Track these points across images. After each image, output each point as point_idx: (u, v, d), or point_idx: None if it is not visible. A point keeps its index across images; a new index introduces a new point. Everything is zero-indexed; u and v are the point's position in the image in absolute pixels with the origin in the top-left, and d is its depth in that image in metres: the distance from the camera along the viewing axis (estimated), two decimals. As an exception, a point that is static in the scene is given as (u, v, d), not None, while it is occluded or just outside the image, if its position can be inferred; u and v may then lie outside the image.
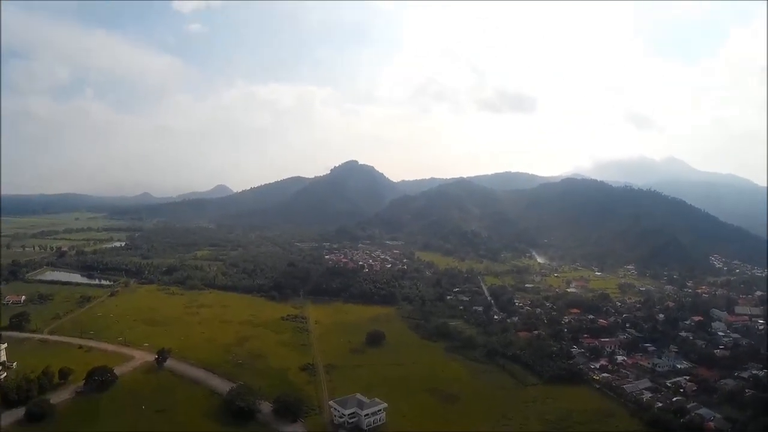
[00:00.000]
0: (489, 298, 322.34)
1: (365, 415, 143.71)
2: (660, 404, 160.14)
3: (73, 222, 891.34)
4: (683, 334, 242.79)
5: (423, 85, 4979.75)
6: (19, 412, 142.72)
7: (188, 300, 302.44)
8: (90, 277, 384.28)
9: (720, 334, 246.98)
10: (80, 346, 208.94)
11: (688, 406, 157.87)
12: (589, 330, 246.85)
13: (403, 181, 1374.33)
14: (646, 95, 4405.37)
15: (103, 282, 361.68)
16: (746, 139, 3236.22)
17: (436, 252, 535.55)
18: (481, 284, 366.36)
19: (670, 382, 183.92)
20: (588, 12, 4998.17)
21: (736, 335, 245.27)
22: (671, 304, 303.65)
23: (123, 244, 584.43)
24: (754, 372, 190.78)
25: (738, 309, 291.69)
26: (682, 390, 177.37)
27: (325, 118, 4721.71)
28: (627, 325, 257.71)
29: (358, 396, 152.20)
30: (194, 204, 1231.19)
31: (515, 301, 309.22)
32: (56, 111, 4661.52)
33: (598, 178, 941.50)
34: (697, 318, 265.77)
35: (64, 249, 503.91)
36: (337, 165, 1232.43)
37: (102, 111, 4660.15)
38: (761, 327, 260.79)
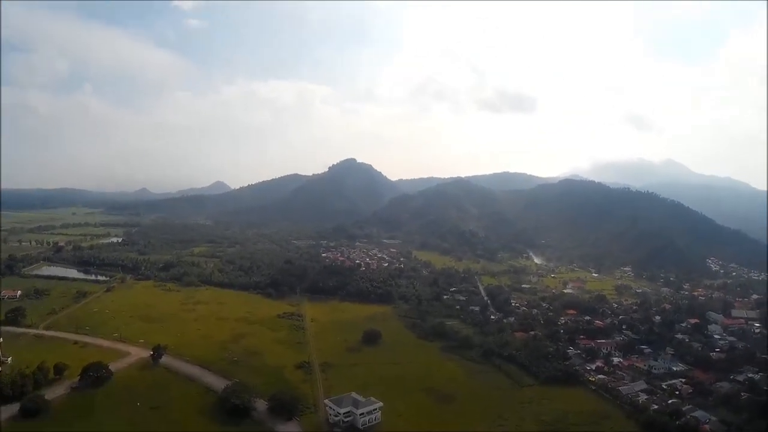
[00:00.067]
0: (486, 298, 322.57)
1: (360, 414, 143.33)
2: (656, 406, 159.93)
3: (71, 217, 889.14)
4: (679, 336, 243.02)
5: (423, 84, 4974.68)
6: (14, 408, 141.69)
7: (184, 296, 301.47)
8: (86, 272, 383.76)
9: (716, 336, 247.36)
10: (76, 342, 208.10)
11: (684, 409, 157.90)
12: (586, 331, 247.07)
13: (401, 180, 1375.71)
14: (645, 96, 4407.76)
15: (100, 277, 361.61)
16: (745, 142, 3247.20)
17: (433, 251, 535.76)
18: (478, 284, 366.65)
19: (665, 385, 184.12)
20: (588, 12, 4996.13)
21: (732, 338, 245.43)
22: (668, 307, 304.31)
23: (120, 239, 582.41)
24: (750, 375, 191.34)
25: (734, 312, 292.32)
26: (677, 392, 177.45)
27: (324, 116, 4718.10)
28: (623, 327, 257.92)
29: (354, 395, 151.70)
30: (192, 200, 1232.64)
31: (512, 301, 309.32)
32: (55, 105, 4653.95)
33: (597, 180, 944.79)
34: (693, 320, 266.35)
35: (61, 244, 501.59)
36: (335, 163, 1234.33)
37: (101, 106, 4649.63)
38: (757, 330, 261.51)
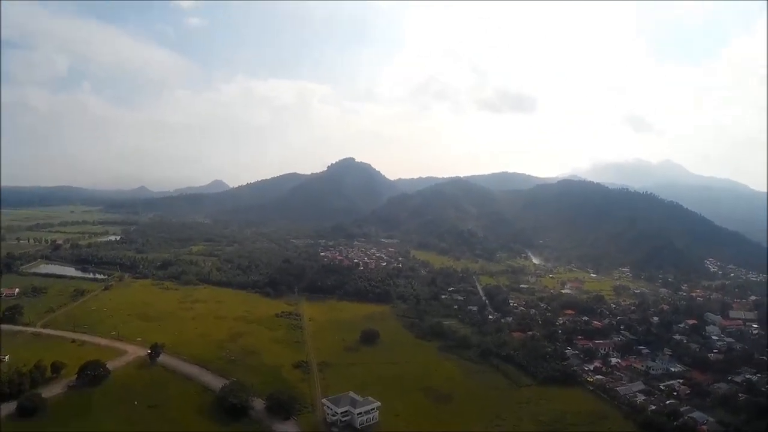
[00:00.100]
0: (484, 297, 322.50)
1: (358, 414, 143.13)
2: (653, 407, 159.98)
3: (69, 215, 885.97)
4: (677, 337, 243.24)
5: (423, 84, 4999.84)
6: (11, 406, 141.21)
7: (182, 295, 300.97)
8: (84, 270, 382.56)
9: (714, 337, 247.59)
10: (73, 340, 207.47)
11: (682, 410, 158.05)
12: (584, 332, 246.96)
13: (400, 179, 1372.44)
14: (646, 97, 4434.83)
15: (98, 276, 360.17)
16: (744, 144, 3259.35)
17: (431, 251, 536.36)
18: (476, 284, 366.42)
19: (663, 385, 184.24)
20: (590, 12, 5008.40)
21: (730, 339, 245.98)
22: (666, 307, 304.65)
23: (118, 237, 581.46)
24: (748, 376, 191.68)
25: (732, 313, 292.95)
26: (675, 393, 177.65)
27: (324, 115, 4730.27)
28: (621, 328, 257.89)
29: (351, 394, 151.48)
30: (190, 199, 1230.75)
31: (510, 301, 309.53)
32: (54, 103, 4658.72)
33: (595, 180, 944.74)
34: (691, 321, 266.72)
35: (59, 242, 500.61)
36: (333, 162, 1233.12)
37: (100, 104, 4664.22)
38: (755, 332, 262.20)
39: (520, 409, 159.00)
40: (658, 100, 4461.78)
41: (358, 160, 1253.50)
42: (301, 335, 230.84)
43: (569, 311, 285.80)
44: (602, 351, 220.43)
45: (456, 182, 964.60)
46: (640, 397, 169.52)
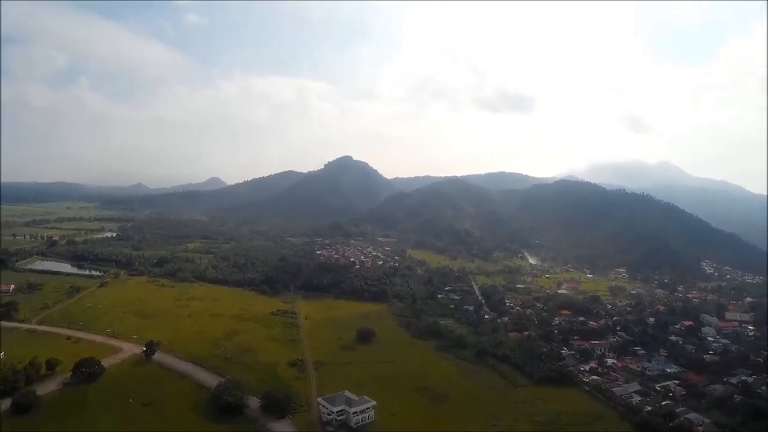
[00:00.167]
0: (480, 297, 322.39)
1: (354, 413, 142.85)
2: (649, 408, 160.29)
3: (65, 211, 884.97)
4: (673, 338, 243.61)
5: (421, 83, 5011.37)
6: (6, 403, 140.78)
7: (178, 292, 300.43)
8: (80, 267, 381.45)
9: (710, 339, 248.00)
10: (68, 337, 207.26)
11: (677, 411, 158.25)
12: (580, 332, 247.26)
13: (397, 178, 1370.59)
14: (644, 97, 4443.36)
15: (93, 272, 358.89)
16: (741, 146, 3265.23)
17: (428, 250, 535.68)
18: (473, 283, 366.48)
19: (659, 386, 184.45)
20: (588, 12, 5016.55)
21: (725, 341, 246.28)
22: (662, 308, 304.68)
23: (114, 234, 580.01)
24: (744, 378, 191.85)
25: (728, 315, 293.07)
26: (671, 394, 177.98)
27: (322, 113, 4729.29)
28: (617, 328, 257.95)
29: (347, 393, 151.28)
30: (187, 196, 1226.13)
31: (506, 301, 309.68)
32: (52, 99, 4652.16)
33: (592, 181, 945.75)
34: (687, 323, 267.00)
35: (55, 238, 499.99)
36: (331, 160, 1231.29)
37: (98, 100, 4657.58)
38: (751, 333, 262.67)
39: (516, 409, 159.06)
40: (655, 100, 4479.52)
41: (355, 158, 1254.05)
42: (296, 333, 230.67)
43: (565, 311, 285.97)
44: (598, 351, 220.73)
45: (453, 182, 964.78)
46: (636, 398, 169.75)
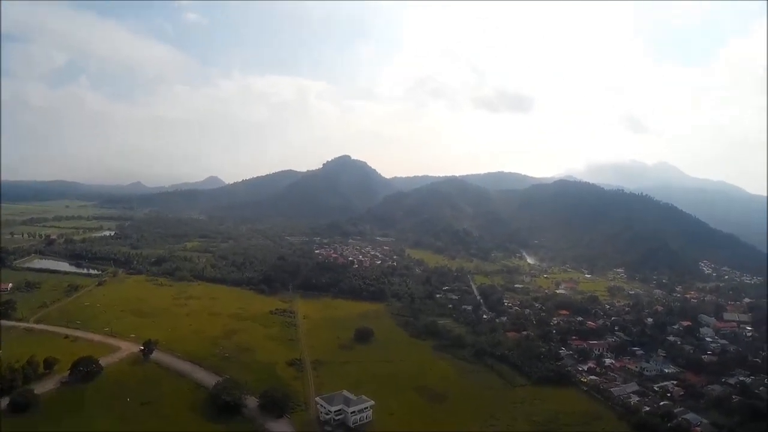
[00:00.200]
0: (478, 297, 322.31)
1: (352, 413, 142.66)
2: (647, 408, 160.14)
3: (63, 210, 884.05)
4: (671, 338, 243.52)
5: (421, 83, 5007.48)
6: (3, 402, 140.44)
7: (177, 291, 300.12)
8: (78, 265, 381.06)
9: (708, 339, 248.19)
10: (66, 336, 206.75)
11: (675, 411, 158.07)
12: (578, 332, 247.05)
13: (395, 177, 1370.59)
14: (644, 97, 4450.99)
15: (92, 271, 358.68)
16: (741, 146, 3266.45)
17: (426, 249, 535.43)
18: (471, 283, 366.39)
19: (657, 387, 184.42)
20: (588, 13, 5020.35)
21: (724, 341, 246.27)
22: (660, 309, 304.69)
23: (113, 233, 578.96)
24: (742, 378, 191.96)
25: (726, 315, 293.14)
26: (669, 394, 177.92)
27: (321, 112, 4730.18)
28: (615, 328, 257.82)
29: (345, 393, 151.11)
30: (186, 194, 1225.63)
31: (504, 301, 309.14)
32: (51, 98, 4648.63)
33: (591, 181, 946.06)
34: (685, 323, 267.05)
35: (53, 237, 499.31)
36: (329, 160, 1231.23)
37: (97, 99, 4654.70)
38: (749, 334, 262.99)
39: (515, 409, 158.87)
40: (655, 100, 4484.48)
41: (354, 157, 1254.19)
42: (295, 333, 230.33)
43: (564, 311, 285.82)
44: (596, 351, 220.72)
45: (452, 181, 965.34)
46: (634, 398, 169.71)
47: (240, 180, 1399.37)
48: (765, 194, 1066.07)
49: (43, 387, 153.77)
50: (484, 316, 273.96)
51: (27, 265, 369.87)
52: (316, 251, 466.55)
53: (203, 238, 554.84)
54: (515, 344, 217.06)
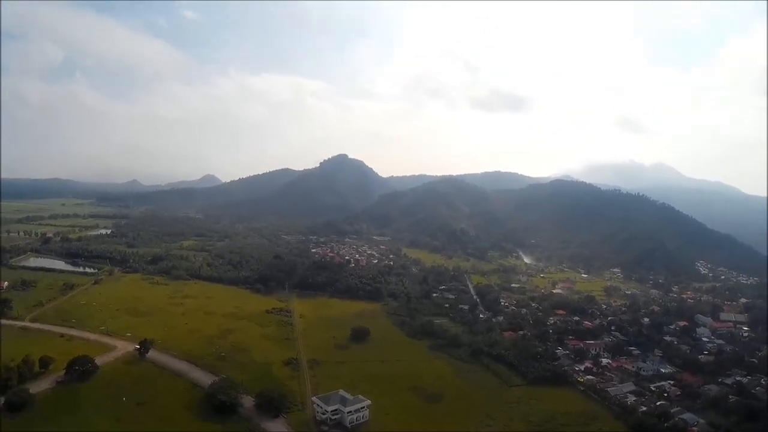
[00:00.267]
0: (475, 296, 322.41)
1: (348, 412, 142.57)
2: (644, 408, 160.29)
3: (60, 208, 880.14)
4: (668, 338, 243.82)
5: (421, 83, 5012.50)
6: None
7: (173, 290, 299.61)
8: (74, 264, 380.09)
9: (704, 339, 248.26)
10: (62, 335, 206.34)
11: (672, 411, 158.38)
12: (575, 332, 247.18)
13: (392, 176, 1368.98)
14: (642, 97, 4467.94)
15: (88, 270, 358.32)
16: (741, 147, 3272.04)
17: (423, 249, 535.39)
18: (468, 283, 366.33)
19: (654, 386, 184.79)
20: (589, 13, 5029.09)
21: (720, 341, 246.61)
22: (656, 309, 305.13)
23: (109, 231, 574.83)
24: (738, 378, 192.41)
25: (723, 315, 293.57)
26: (666, 394, 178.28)
27: (319, 112, 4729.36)
28: (612, 328, 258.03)
29: (342, 392, 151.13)
30: (182, 193, 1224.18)
31: (501, 300, 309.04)
32: (48, 94, 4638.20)
33: (587, 181, 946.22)
34: (682, 323, 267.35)
35: (49, 235, 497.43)
36: (326, 159, 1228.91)
37: (94, 96, 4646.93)
38: (746, 334, 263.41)
39: (511, 408, 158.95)
40: (655, 100, 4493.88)
41: (350, 156, 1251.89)
42: (291, 332, 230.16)
43: (560, 311, 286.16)
44: (593, 351, 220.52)
45: (448, 181, 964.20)
46: (631, 398, 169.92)
47: (237, 178, 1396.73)
48: (761, 195, 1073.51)
49: (39, 386, 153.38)
50: (481, 316, 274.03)
51: (23, 263, 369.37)
52: (313, 250, 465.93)
53: (199, 237, 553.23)
54: (512, 344, 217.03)
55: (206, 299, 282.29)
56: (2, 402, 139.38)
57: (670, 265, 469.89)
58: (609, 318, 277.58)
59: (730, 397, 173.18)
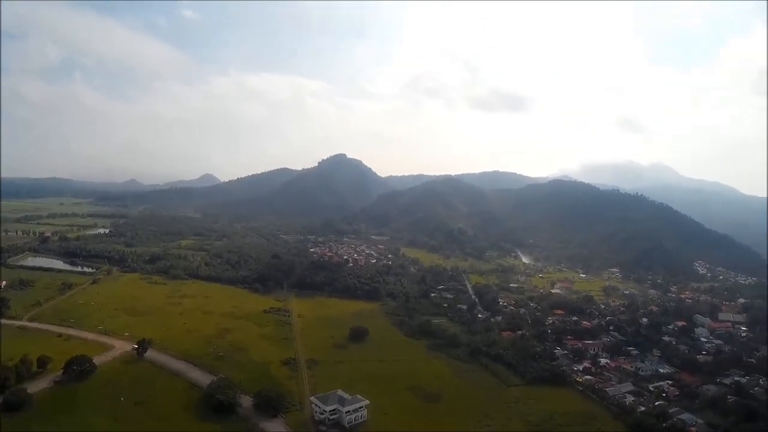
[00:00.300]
0: (473, 296, 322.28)
1: (346, 412, 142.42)
2: (642, 408, 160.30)
3: (58, 207, 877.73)
4: (666, 338, 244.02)
5: (420, 83, 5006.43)
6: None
7: (171, 290, 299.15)
8: (72, 263, 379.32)
9: (703, 339, 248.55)
10: (60, 335, 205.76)
11: (671, 411, 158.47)
12: (573, 332, 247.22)
13: (390, 176, 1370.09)
14: (642, 97, 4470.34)
15: (86, 269, 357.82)
16: (739, 147, 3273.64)
17: (421, 248, 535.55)
18: (466, 282, 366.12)
19: (652, 387, 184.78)
20: (589, 13, 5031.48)
21: (718, 341, 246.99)
22: (655, 309, 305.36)
23: (107, 231, 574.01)
24: (737, 378, 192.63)
25: (721, 315, 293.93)
26: (664, 394, 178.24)
27: (318, 111, 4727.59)
28: (611, 328, 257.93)
29: (340, 392, 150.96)
30: (181, 192, 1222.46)
31: (499, 300, 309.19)
32: (46, 93, 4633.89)
33: (586, 181, 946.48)
34: (680, 323, 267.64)
35: (47, 234, 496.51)
36: (325, 158, 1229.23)
37: (93, 96, 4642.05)
38: (744, 334, 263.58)
39: (509, 408, 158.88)
40: (654, 100, 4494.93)
41: (350, 156, 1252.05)
42: (289, 332, 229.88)
43: (559, 311, 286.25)
44: (591, 351, 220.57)
45: (447, 180, 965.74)
46: (629, 398, 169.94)
47: (235, 178, 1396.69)
48: (760, 195, 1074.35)
49: (37, 386, 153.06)
50: (479, 316, 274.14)
51: (20, 262, 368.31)
52: (311, 250, 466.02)
53: (198, 236, 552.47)
54: (510, 344, 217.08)
55: (204, 299, 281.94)
56: (0, 402, 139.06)
57: (668, 265, 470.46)
58: (607, 318, 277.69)
59: (728, 397, 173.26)
